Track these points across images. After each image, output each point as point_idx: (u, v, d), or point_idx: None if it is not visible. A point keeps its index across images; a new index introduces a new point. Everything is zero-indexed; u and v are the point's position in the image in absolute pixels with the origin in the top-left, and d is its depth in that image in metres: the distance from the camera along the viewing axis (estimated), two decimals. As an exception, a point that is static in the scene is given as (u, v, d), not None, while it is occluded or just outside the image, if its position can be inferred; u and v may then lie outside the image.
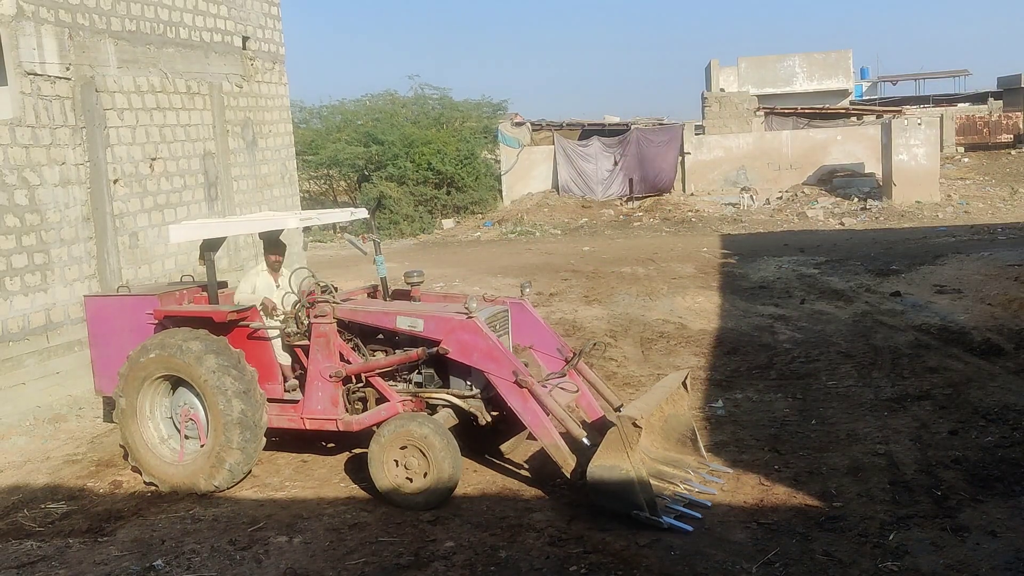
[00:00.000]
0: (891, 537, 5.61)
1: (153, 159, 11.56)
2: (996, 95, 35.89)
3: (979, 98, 37.16)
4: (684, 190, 27.88)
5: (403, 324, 6.74)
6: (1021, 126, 31.55)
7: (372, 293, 8.03)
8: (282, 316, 7.31)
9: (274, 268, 7.75)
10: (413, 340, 6.84)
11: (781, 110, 32.12)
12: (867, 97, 44.25)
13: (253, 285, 7.62)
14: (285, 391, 7.16)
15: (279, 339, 7.22)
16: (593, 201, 27.69)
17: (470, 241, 24.47)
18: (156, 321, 7.37)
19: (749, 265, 16.86)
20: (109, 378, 7.54)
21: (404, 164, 27.16)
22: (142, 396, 7.05)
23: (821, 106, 34.35)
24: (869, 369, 9.62)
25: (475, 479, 7.01)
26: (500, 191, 28.80)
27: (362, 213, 8.20)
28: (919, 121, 25.52)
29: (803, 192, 26.98)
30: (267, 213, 9.48)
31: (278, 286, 7.67)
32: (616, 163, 27.93)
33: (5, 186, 9.15)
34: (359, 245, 8.09)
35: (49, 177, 9.73)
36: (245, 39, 14.18)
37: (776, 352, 10.55)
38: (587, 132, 29.98)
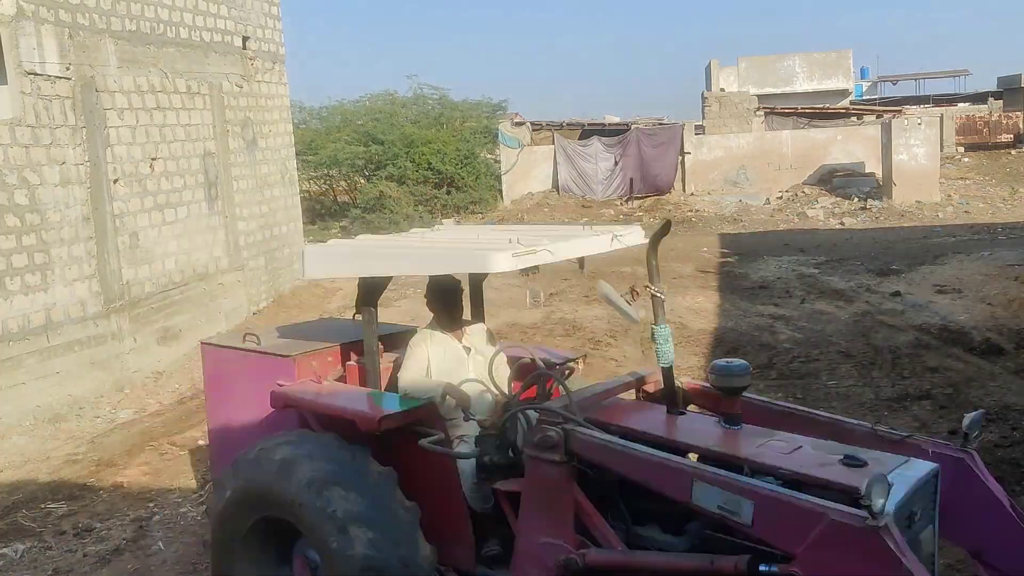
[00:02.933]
0: (891, 537, 5.60)
1: (153, 159, 11.56)
2: (996, 95, 35.84)
3: (979, 98, 37.11)
4: (684, 190, 27.85)
5: (706, 501, 3.40)
6: (1021, 126, 31.50)
7: (640, 388, 4.65)
8: (481, 417, 4.42)
9: (451, 327, 4.86)
10: (726, 527, 3.49)
11: (781, 110, 32.09)
12: (867, 97, 44.19)
13: (426, 358, 4.67)
14: (479, 560, 4.22)
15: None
16: (593, 201, 27.67)
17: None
18: (273, 403, 4.66)
19: (749, 265, 16.84)
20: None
21: (404, 164, 27.15)
22: (240, 565, 4.39)
23: (821, 106, 34.31)
24: (869, 369, 9.62)
25: (475, 479, 7.00)
26: (500, 191, 28.78)
27: (635, 236, 4.74)
28: (919, 121, 25.50)
29: (803, 192, 26.96)
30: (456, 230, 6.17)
31: (469, 355, 4.81)
32: (616, 163, 27.91)
33: (5, 186, 9.15)
34: (621, 305, 4.39)
35: (49, 177, 9.72)
36: (245, 39, 14.18)
37: (776, 352, 10.54)
38: (587, 132, 29.96)
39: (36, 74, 9.60)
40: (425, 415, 4.26)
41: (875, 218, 23.71)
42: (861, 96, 43.84)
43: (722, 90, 36.32)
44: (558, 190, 28.19)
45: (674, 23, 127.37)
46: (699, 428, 4.01)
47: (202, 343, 5.59)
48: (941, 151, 27.28)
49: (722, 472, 3.43)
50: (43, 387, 9.43)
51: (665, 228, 3.96)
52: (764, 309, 12.82)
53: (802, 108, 32.95)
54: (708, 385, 4.17)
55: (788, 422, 4.09)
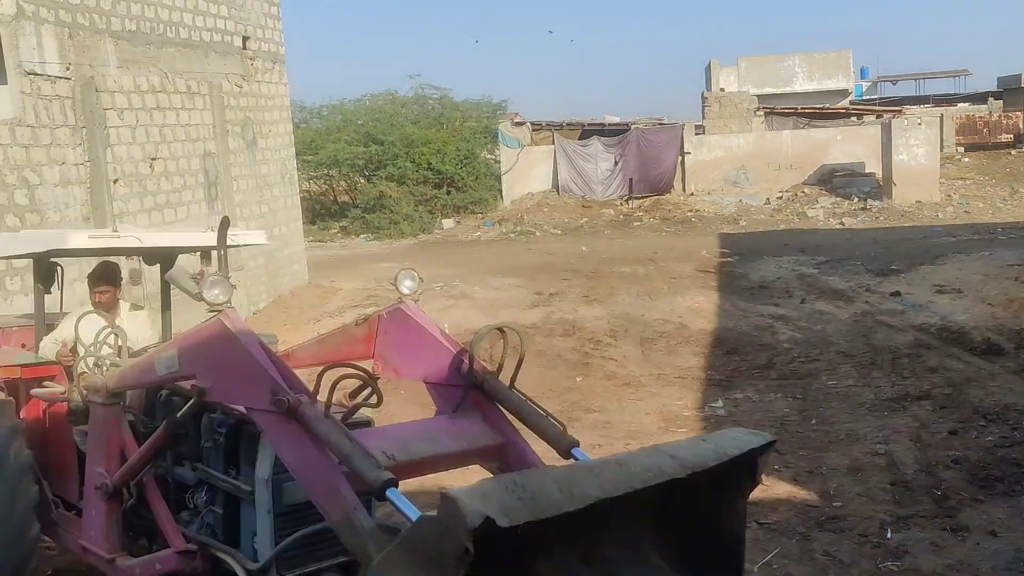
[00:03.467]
0: (891, 537, 5.61)
1: (153, 159, 11.57)
2: (996, 95, 35.83)
3: (979, 98, 37.11)
4: (684, 190, 27.85)
5: (161, 369, 4.01)
6: (1021, 126, 31.49)
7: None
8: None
9: (105, 306, 5.48)
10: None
11: (781, 110, 32.10)
12: (867, 97, 44.17)
13: (71, 329, 5.24)
14: (82, 495, 4.71)
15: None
16: (593, 201, 27.67)
17: (470, 241, 24.47)
18: None
19: (749, 265, 16.85)
20: None
21: (404, 164, 27.16)
22: None
23: (821, 106, 34.31)
24: (869, 369, 9.62)
25: (475, 479, 7.00)
26: (500, 191, 28.77)
27: (210, 237, 5.10)
28: (919, 121, 25.51)
29: (803, 192, 26.96)
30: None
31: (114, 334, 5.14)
32: (616, 163, 27.90)
33: (5, 186, 9.15)
34: (188, 287, 4.62)
35: (49, 177, 9.73)
36: (245, 39, 14.19)
37: (776, 352, 10.55)
38: (587, 132, 29.96)
39: (36, 74, 9.61)
40: (47, 372, 5.12)
41: (875, 218, 23.73)
42: (861, 96, 43.83)
43: (722, 90, 36.32)
44: (558, 190, 28.18)
45: (674, 23, 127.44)
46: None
47: None
48: (941, 151, 27.29)
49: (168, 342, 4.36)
50: (43, 387, 9.43)
51: (225, 223, 4.54)
52: (764, 309, 12.83)
53: (802, 108, 32.95)
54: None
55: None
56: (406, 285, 4.34)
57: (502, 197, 28.61)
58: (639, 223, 25.54)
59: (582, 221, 25.97)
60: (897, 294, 13.20)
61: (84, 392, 4.47)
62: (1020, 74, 34.77)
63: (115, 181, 10.77)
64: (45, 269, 5.35)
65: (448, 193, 27.67)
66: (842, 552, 5.45)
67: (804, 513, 6.05)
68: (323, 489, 3.22)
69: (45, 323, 5.46)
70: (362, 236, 25.91)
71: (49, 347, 5.31)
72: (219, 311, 3.65)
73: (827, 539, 5.63)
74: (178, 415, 3.93)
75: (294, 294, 15.34)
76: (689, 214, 25.92)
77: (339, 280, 16.92)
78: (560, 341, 11.50)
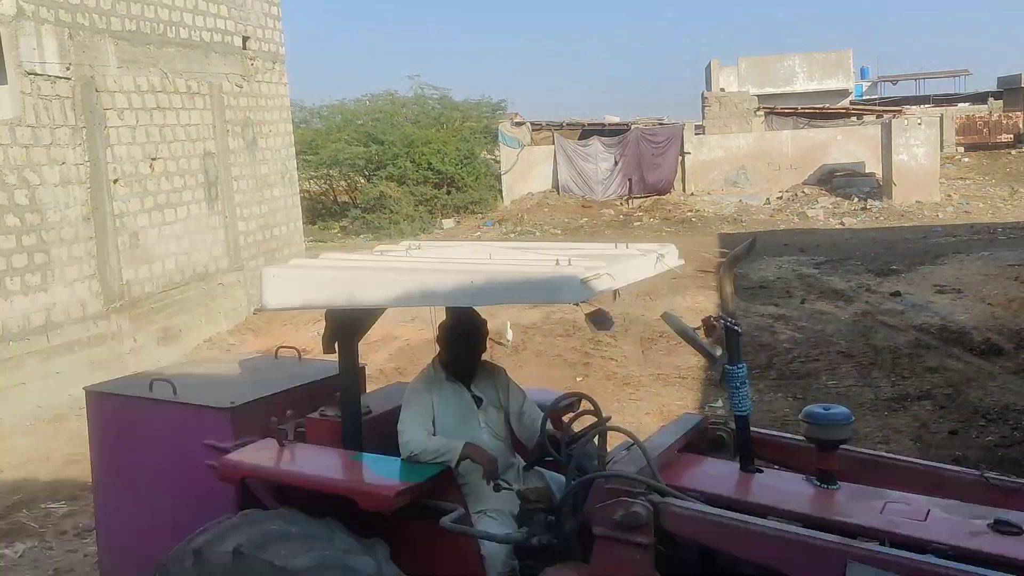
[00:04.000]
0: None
1: (153, 159, 11.57)
2: (996, 95, 35.83)
3: (979, 98, 37.10)
4: (684, 190, 27.85)
5: None
6: (1021, 126, 31.48)
7: (695, 441, 3.74)
8: (513, 488, 3.45)
9: (464, 373, 3.85)
10: None
11: (781, 110, 32.07)
12: (867, 97, 44.16)
13: (431, 410, 3.66)
14: None
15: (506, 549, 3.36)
16: (593, 201, 27.66)
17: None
18: (223, 476, 3.49)
19: (749, 265, 16.84)
20: (125, 557, 4.06)
21: (404, 164, 27.16)
22: None
23: (821, 106, 34.30)
24: (869, 369, 9.62)
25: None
26: (500, 191, 28.76)
27: (673, 257, 3.77)
28: (919, 121, 25.50)
29: (803, 192, 26.96)
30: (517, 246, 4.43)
31: (480, 407, 3.75)
32: (616, 163, 27.90)
33: (5, 186, 9.15)
34: (702, 344, 3.73)
35: (49, 177, 9.73)
36: (245, 39, 14.18)
37: (776, 352, 10.54)
38: (587, 132, 29.94)
39: (36, 74, 9.61)
40: (437, 485, 3.34)
41: (875, 218, 23.72)
42: (861, 96, 43.81)
43: (722, 90, 36.28)
44: (558, 190, 28.17)
45: (674, 23, 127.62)
46: (795, 491, 3.24)
47: (87, 390, 4.21)
48: (941, 151, 27.28)
49: (885, 550, 2.74)
50: (44, 387, 9.43)
51: (750, 246, 3.34)
52: (764, 309, 12.82)
53: (802, 108, 32.93)
54: (774, 434, 3.60)
55: (874, 473, 3.42)
56: None
57: (502, 197, 28.60)
58: (639, 223, 25.52)
59: (582, 221, 25.97)
60: (897, 294, 13.19)
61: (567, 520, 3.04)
62: (1020, 74, 34.79)
63: (115, 181, 10.77)
64: (362, 321, 3.66)
65: (448, 193, 27.66)
66: (842, 552, 5.44)
67: (804, 513, 6.04)
68: None
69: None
70: (362, 236, 25.90)
71: (433, 446, 3.46)
72: None
73: (827, 539, 5.62)
74: None
75: (294, 294, 15.31)
76: (689, 214, 25.91)
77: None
78: (560, 341, 11.49)
